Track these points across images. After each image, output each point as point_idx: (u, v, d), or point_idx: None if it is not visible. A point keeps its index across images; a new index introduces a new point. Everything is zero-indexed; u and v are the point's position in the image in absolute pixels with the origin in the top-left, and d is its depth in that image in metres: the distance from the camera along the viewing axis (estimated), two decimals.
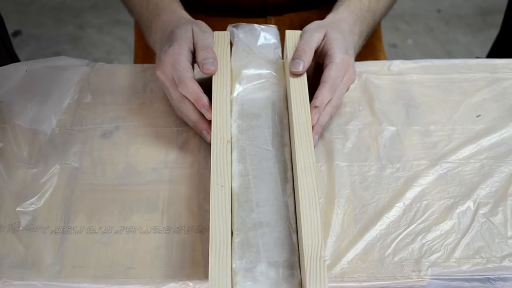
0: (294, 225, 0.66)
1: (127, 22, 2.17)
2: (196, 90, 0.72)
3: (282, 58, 0.81)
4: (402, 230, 0.68)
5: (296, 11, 0.99)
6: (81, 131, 0.77)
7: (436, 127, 0.79)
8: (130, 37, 1.07)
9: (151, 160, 0.75)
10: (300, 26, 0.99)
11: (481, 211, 0.70)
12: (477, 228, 0.69)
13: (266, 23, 0.98)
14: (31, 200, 0.71)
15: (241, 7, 0.97)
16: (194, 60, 0.76)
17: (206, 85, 0.74)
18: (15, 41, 2.04)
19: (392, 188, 0.72)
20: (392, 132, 0.78)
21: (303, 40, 0.76)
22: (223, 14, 0.99)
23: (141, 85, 0.83)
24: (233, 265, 0.62)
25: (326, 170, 0.74)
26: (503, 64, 0.87)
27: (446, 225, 0.69)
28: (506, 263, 0.65)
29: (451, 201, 0.71)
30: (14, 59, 1.16)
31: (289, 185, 0.69)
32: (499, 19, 1.23)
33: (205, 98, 0.72)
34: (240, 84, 0.77)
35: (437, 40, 2.17)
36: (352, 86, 0.78)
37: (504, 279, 0.64)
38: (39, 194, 0.71)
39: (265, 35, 0.81)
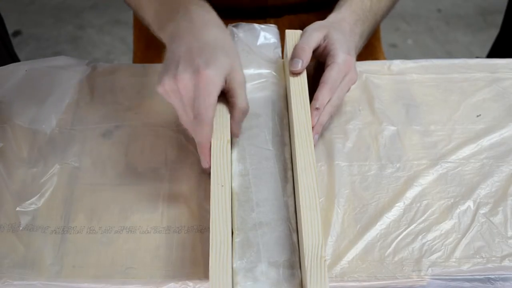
0: (294, 225, 0.66)
1: (127, 22, 2.17)
2: (208, 137, 0.68)
3: (282, 58, 0.81)
4: (402, 230, 0.68)
5: (295, 13, 0.98)
6: (81, 131, 0.77)
7: (436, 127, 0.79)
8: (130, 37, 1.07)
9: (151, 160, 0.74)
10: (299, 29, 0.98)
11: (481, 211, 0.70)
12: (477, 228, 0.68)
13: None
14: (31, 200, 0.70)
15: (240, 10, 0.97)
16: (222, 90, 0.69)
17: None
18: (15, 41, 2.04)
19: (392, 188, 0.72)
20: (392, 131, 0.78)
21: (302, 39, 0.76)
22: (222, 17, 0.98)
23: (141, 84, 0.83)
24: (234, 265, 0.62)
25: (326, 169, 0.74)
26: (503, 64, 0.87)
27: (446, 225, 0.69)
28: (506, 263, 0.65)
29: (451, 201, 0.71)
30: (14, 59, 1.17)
31: (289, 185, 0.69)
32: (499, 19, 1.23)
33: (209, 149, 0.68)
34: None
35: (437, 40, 2.16)
36: (352, 86, 0.78)
37: (504, 279, 0.64)
38: (39, 194, 0.71)
39: (265, 34, 0.81)
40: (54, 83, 0.82)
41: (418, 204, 0.71)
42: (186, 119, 0.68)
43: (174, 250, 0.67)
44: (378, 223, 0.69)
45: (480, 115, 0.79)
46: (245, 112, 0.71)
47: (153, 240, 0.67)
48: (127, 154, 0.75)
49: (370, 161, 0.75)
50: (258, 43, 0.80)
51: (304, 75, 0.75)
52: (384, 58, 1.07)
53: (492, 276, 0.64)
